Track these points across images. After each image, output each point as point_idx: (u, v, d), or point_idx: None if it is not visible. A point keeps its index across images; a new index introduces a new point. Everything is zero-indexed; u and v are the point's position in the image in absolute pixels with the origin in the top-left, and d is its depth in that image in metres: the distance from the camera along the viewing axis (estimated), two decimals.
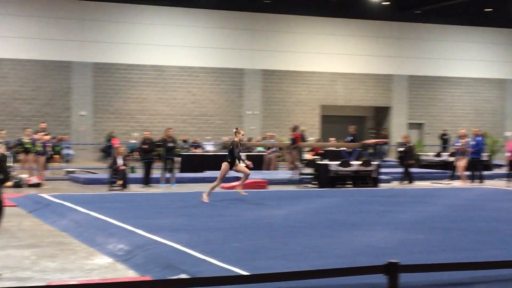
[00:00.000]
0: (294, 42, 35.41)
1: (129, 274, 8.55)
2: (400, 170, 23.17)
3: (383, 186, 21.11)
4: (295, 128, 23.61)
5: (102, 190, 19.12)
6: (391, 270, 5.51)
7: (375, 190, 19.86)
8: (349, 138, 26.43)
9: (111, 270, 8.80)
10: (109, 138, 31.24)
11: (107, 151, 29.23)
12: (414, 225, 12.19)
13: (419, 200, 16.67)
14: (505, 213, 14.23)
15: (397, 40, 37.32)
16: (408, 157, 22.57)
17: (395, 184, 22.08)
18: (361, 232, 11.15)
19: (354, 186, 20.35)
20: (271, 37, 35.12)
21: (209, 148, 31.11)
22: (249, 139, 30.59)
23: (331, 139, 28.72)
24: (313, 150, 25.17)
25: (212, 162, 25.52)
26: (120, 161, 19.68)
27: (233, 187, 19.59)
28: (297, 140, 23.11)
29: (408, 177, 22.46)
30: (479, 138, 23.50)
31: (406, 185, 21.95)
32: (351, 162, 20.96)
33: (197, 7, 33.95)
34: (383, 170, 22.35)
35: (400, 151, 23.13)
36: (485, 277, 7.72)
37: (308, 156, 23.98)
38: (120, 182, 19.43)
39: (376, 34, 36.88)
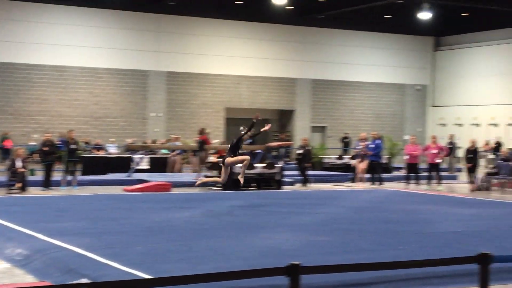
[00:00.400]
0: (199, 45, 35.37)
1: (27, 279, 8.33)
2: (299, 172, 23.39)
3: (286, 188, 21.34)
4: (202, 131, 23.55)
5: (0, 193, 18.55)
6: (293, 271, 5.57)
7: (278, 192, 20.07)
8: (248, 141, 26.62)
9: (9, 275, 8.55)
10: (2, 139, 30.34)
11: (4, 153, 28.40)
12: (317, 226, 12.38)
13: (322, 202, 16.93)
14: (404, 214, 14.63)
15: (301, 44, 37.81)
16: (306, 159, 22.82)
17: (298, 187, 22.35)
18: (265, 234, 11.24)
19: (258, 189, 20.50)
20: (176, 39, 34.96)
21: (112, 150, 30.65)
22: (153, 141, 30.34)
23: None
24: (218, 152, 25.18)
25: (115, 164, 25.22)
26: (19, 163, 19.15)
27: (136, 190, 19.37)
28: (205, 142, 23.08)
29: (305, 179, 22.70)
30: (379, 141, 24.09)
31: (307, 187, 22.24)
32: (255, 165, 21.10)
33: (101, 7, 33.43)
34: (286, 172, 22.58)
35: (299, 154, 23.34)
36: (384, 277, 7.91)
37: (212, 158, 23.98)
38: (19, 185, 18.91)
39: (280, 38, 37.26)
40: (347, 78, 38.89)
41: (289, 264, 5.64)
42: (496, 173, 22.39)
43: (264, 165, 21.26)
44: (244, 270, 6.32)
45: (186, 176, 24.08)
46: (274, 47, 37.12)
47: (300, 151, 23.21)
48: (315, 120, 38.31)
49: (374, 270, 7.31)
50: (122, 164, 24.61)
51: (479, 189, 21.78)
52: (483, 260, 6.22)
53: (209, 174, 21.72)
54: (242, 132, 15.44)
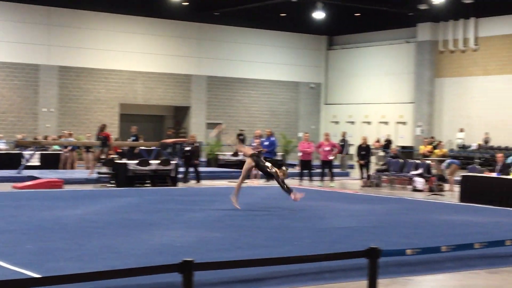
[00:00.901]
0: (92, 39, 34.72)
1: None
2: (191, 169, 23.20)
3: (181, 185, 21.26)
4: (103, 128, 23.18)
5: None
6: (186, 268, 5.55)
7: (173, 189, 19.96)
8: (132, 138, 26.43)
9: None
10: None
11: None
12: (211, 223, 12.40)
13: (216, 198, 16.96)
14: (297, 211, 14.84)
15: (197, 40, 37.73)
16: (194, 156, 22.59)
17: (193, 183, 22.29)
18: (159, 232, 11.16)
19: (153, 186, 20.32)
20: (68, 33, 34.18)
21: (1, 146, 29.69)
22: (45, 137, 29.58)
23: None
24: (113, 149, 24.84)
25: (3, 160, 24.47)
26: None
27: (26, 187, 18.86)
28: (108, 139, 22.74)
29: (185, 176, 22.30)
30: (273, 139, 24.35)
31: (191, 184, 22.02)
32: (150, 161, 20.92)
33: None
34: (181, 169, 22.48)
35: (186, 151, 22.96)
36: (277, 272, 7.99)
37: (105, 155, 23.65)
38: None
39: (176, 34, 37.06)
40: (242, 75, 39.08)
41: (182, 261, 5.61)
42: (386, 170, 23.04)
43: (159, 161, 21.10)
44: (136, 267, 6.25)
45: (79, 172, 23.63)
46: (170, 43, 36.90)
47: (188, 148, 22.89)
48: (210, 116, 38.33)
49: (267, 265, 7.37)
50: (11, 160, 23.91)
51: (369, 185, 22.35)
52: (372, 254, 6.38)
53: (103, 170, 21.39)
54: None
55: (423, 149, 25.81)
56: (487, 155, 31.30)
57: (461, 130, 34.51)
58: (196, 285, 5.85)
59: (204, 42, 37.88)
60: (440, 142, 27.75)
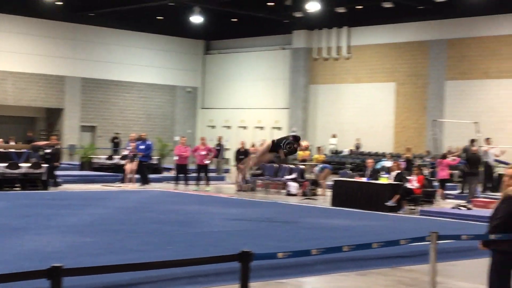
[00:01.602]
0: None
1: None
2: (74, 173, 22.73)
3: (52, 189, 20.71)
4: None
5: None
6: (54, 274, 5.40)
7: (44, 193, 19.45)
8: None
9: None
10: None
11: None
12: (83, 228, 12.16)
13: (90, 203, 16.66)
14: (172, 214, 14.79)
15: (71, 41, 36.88)
16: (54, 159, 21.91)
17: (65, 187, 21.75)
18: (27, 237, 10.84)
19: (23, 189, 19.70)
20: None
21: None
22: None
23: None
24: None
25: None
26: None
27: None
28: None
29: (53, 179, 21.73)
30: (149, 142, 24.18)
31: (56, 188, 21.39)
32: (20, 164, 20.27)
33: None
34: (58, 172, 21.89)
35: (47, 153, 22.21)
36: (151, 277, 7.94)
37: None
38: None
39: (49, 34, 36.07)
40: (118, 78, 38.55)
41: (51, 267, 5.46)
42: (261, 174, 23.32)
43: (29, 164, 20.47)
44: (3, 273, 6.03)
45: None
46: (43, 43, 35.89)
47: (49, 151, 22.15)
48: (84, 119, 37.54)
49: (140, 270, 7.27)
50: None
51: (245, 189, 22.54)
52: (244, 258, 6.42)
53: None
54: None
55: (302, 154, 26.28)
56: (358, 160, 32.24)
57: (334, 136, 35.40)
58: None
59: (79, 43, 37.09)
60: (320, 147, 28.27)
